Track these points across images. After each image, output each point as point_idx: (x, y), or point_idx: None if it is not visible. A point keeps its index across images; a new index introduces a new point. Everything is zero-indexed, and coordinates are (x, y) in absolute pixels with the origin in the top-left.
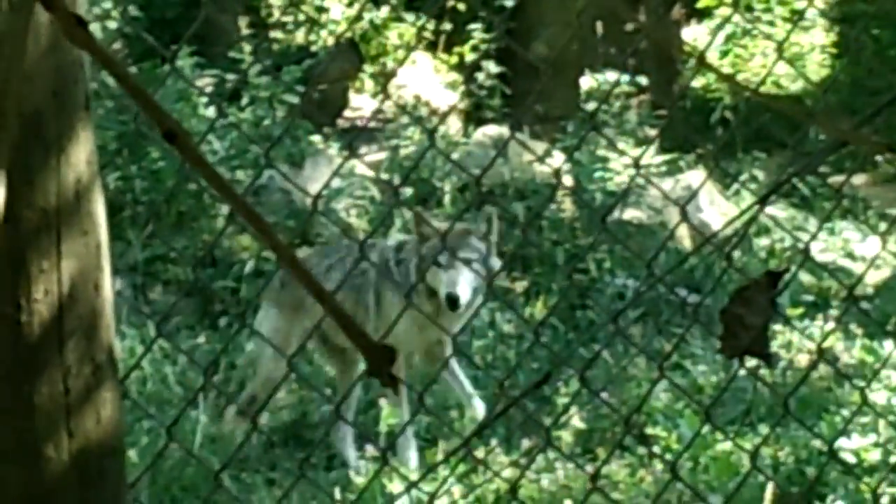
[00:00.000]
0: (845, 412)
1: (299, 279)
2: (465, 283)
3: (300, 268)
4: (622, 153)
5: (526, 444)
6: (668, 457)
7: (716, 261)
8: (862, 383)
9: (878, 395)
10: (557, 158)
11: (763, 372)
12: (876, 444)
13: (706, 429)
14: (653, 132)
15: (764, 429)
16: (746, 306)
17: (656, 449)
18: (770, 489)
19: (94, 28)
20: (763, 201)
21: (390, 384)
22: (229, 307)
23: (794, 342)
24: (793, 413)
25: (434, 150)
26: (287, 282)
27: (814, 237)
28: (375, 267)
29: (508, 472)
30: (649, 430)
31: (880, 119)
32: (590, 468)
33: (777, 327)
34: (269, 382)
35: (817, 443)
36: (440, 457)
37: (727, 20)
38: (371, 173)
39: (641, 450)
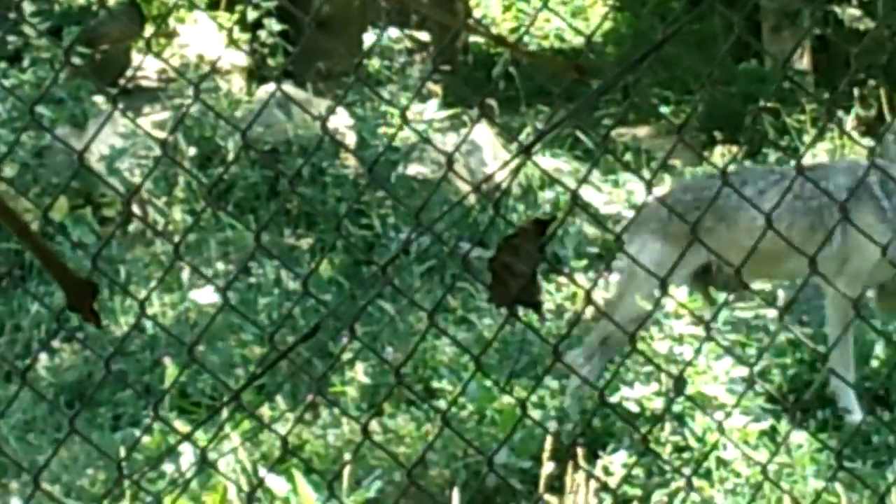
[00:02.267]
0: (628, 362)
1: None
2: None
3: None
4: (398, 107)
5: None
6: (454, 410)
7: (505, 214)
8: (646, 333)
9: (660, 345)
10: (341, 115)
11: (547, 324)
12: (658, 393)
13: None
14: (436, 87)
15: (551, 381)
16: (514, 254)
17: (442, 403)
18: (549, 440)
19: None
20: (528, 150)
21: (91, 319)
22: (12, 269)
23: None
24: (563, 361)
25: (217, 109)
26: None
27: (580, 185)
28: (845, 189)
29: (295, 428)
30: (434, 384)
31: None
32: (375, 424)
33: (562, 280)
34: (634, 322)
35: (606, 392)
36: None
37: None
38: (155, 133)
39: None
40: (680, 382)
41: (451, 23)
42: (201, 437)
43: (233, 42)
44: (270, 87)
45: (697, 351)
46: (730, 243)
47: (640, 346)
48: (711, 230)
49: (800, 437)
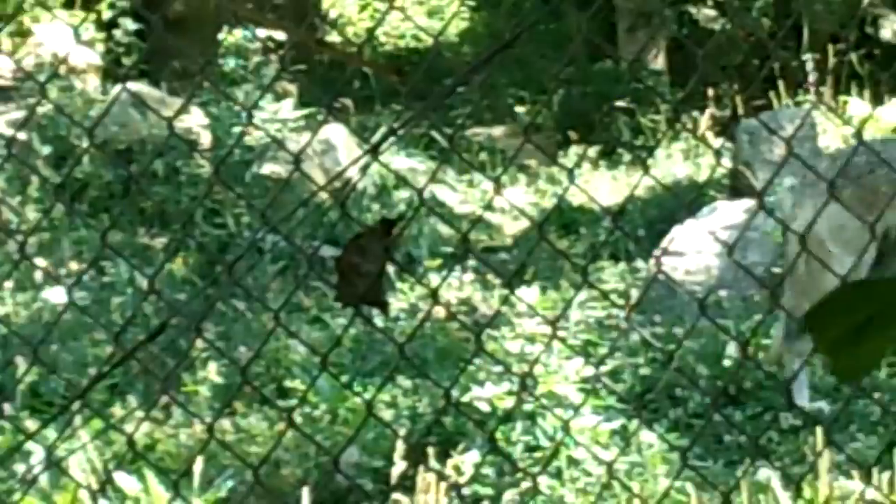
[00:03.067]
0: (479, 361)
1: None
2: None
3: None
4: (245, 107)
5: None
6: (307, 410)
7: (359, 215)
8: (497, 333)
9: (512, 344)
10: (195, 114)
11: (402, 323)
12: (509, 393)
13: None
14: (291, 87)
15: (404, 381)
16: (361, 254)
17: (294, 402)
18: (400, 442)
19: None
20: (375, 150)
21: None
22: None
23: (441, 294)
24: (412, 362)
25: (72, 108)
26: (861, 174)
27: (427, 184)
28: None
29: (146, 427)
30: (287, 384)
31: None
32: (228, 423)
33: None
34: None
35: (456, 392)
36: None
37: None
38: (9, 132)
39: (282, 403)
40: (530, 381)
41: (292, 34)
42: (52, 436)
43: (81, 41)
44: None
45: (547, 349)
46: None
47: (492, 345)
48: (887, 195)
49: (651, 437)
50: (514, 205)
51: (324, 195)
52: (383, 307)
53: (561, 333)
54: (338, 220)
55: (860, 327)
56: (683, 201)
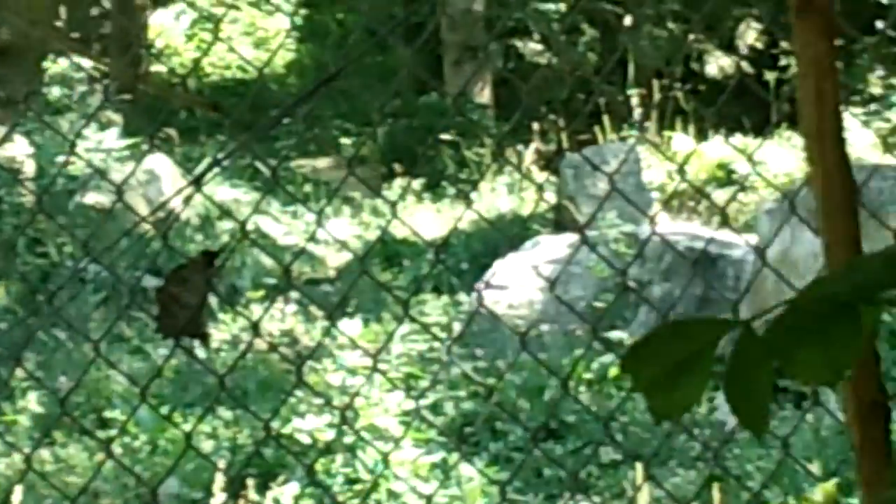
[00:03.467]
0: (300, 394)
1: None
2: None
3: None
4: (67, 138)
5: None
6: (127, 440)
7: (182, 245)
8: (319, 365)
9: (334, 377)
10: (19, 143)
11: (224, 355)
12: (330, 425)
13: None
14: (115, 116)
15: (225, 412)
16: (182, 285)
17: (114, 432)
18: (219, 474)
19: None
20: (199, 181)
21: None
22: None
23: (263, 326)
24: (233, 393)
25: None
26: None
27: (250, 216)
28: None
29: None
30: (108, 414)
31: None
32: (47, 453)
33: (240, 309)
34: None
35: (277, 424)
36: None
37: (191, 5)
38: None
39: (101, 433)
40: (351, 414)
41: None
42: None
43: None
44: None
45: (368, 382)
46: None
47: (313, 377)
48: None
49: (471, 471)
50: (337, 237)
51: (147, 225)
52: (204, 338)
53: (382, 366)
54: (160, 251)
55: (677, 366)
56: (507, 235)
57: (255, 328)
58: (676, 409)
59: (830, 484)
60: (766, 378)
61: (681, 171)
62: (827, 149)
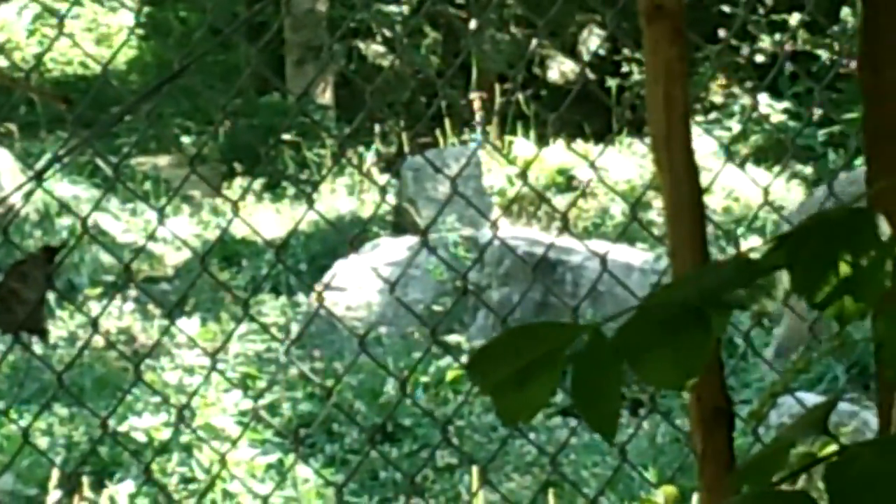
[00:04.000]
0: (137, 391)
1: None
2: None
3: None
4: None
5: None
6: None
7: (21, 241)
8: (157, 364)
9: (171, 375)
10: None
11: (61, 351)
12: (167, 424)
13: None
14: None
15: (61, 409)
16: (22, 281)
17: None
18: (55, 470)
19: None
20: (39, 176)
21: None
22: None
23: (101, 323)
24: (69, 390)
25: None
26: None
27: (91, 213)
28: None
29: None
30: None
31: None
32: None
33: (78, 305)
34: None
35: (113, 422)
36: None
37: (34, 0)
38: None
39: None
40: (188, 413)
41: None
42: None
43: None
44: None
45: (206, 381)
46: None
47: (150, 375)
48: None
49: (307, 472)
50: (177, 235)
51: None
52: (42, 334)
53: (220, 366)
54: None
55: (524, 370)
56: (347, 236)
57: (93, 325)
58: (525, 412)
59: (671, 487)
60: (615, 381)
61: (522, 175)
62: (675, 154)
